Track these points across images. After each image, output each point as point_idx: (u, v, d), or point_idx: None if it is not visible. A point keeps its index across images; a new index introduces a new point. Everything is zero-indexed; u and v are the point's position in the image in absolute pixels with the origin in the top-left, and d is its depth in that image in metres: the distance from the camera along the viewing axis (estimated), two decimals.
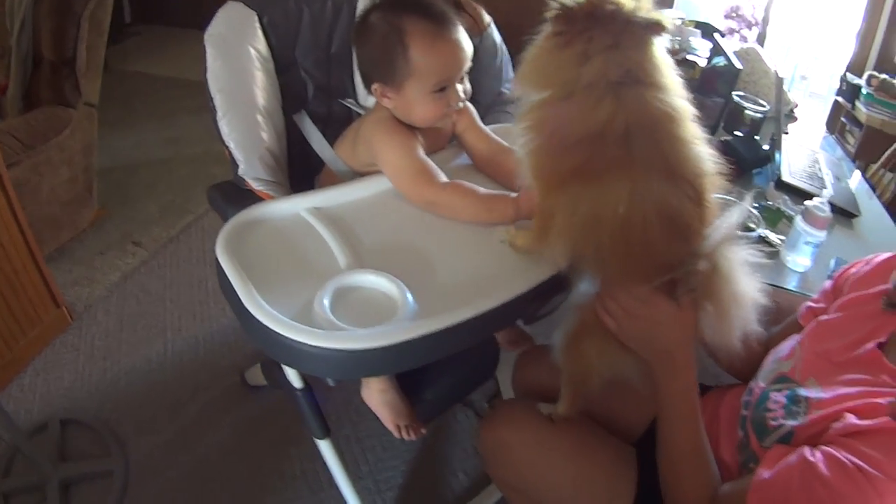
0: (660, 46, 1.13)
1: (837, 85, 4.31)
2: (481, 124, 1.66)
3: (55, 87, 3.18)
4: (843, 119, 4.12)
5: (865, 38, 4.15)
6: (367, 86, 1.56)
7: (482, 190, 1.47)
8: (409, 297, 1.22)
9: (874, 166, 3.20)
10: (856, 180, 2.62)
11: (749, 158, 2.27)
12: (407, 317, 1.18)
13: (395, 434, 1.80)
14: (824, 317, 1.29)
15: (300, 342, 1.10)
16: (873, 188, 2.68)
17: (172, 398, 2.53)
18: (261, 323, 1.14)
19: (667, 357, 1.25)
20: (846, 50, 4.28)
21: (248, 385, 2.56)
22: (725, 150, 2.18)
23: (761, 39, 4.37)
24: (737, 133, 2.42)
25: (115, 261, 3.26)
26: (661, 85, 1.12)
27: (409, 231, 1.43)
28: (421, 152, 1.52)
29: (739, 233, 1.21)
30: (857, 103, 3.90)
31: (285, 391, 1.74)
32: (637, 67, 1.10)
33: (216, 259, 1.29)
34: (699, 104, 1.18)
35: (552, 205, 1.21)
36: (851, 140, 3.95)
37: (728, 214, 1.20)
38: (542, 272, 1.30)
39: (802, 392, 1.16)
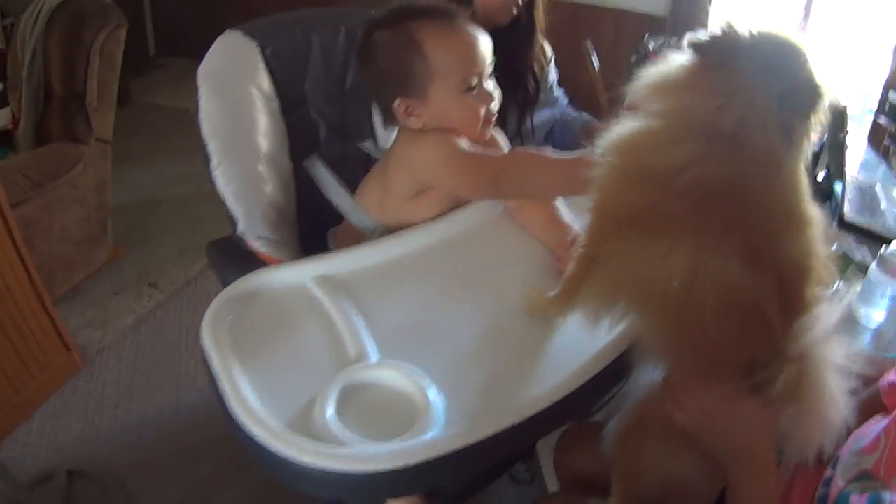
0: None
1: (869, 104, 4.10)
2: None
3: (66, 122, 3.07)
4: (886, 142, 3.91)
5: None
6: (386, 111, 1.42)
7: (552, 154, 1.31)
8: (435, 399, 1.01)
9: None
10: None
11: None
12: (432, 425, 0.97)
13: None
14: None
15: (297, 461, 0.91)
16: None
17: (185, 453, 2.40)
18: (246, 431, 0.96)
19: (749, 459, 1.08)
20: (881, 67, 4.06)
21: None
22: None
23: None
24: None
25: (129, 303, 3.17)
26: (776, 160, 0.95)
27: (435, 307, 1.24)
28: (466, 143, 1.38)
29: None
30: None
31: None
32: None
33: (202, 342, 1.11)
34: None
35: (599, 247, 1.05)
36: None
37: (828, 309, 1.01)
38: (599, 359, 1.10)
39: (888, 497, 0.99)
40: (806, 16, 4.07)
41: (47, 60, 3.06)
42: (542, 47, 2.14)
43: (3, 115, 3.55)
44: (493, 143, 1.51)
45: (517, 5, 1.99)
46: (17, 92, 3.19)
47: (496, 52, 2.01)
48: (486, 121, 1.41)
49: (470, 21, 1.39)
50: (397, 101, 1.38)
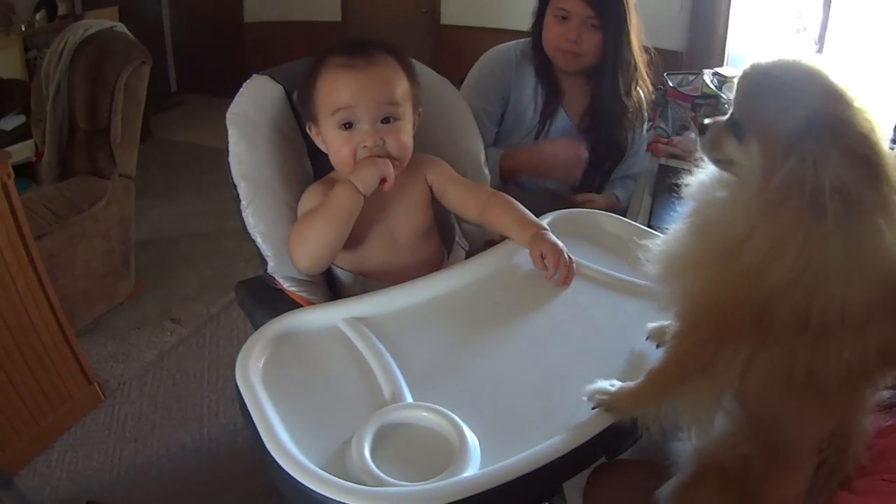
0: None
1: (890, 131, 4.06)
2: (458, 176, 1.58)
3: (90, 156, 3.10)
4: None
5: None
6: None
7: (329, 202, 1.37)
8: (471, 439, 1.02)
9: None
10: None
11: None
12: (467, 465, 0.98)
13: None
14: None
15: (333, 499, 0.92)
16: None
17: (207, 489, 2.38)
18: (284, 470, 0.97)
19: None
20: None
21: None
22: None
23: None
24: None
25: (151, 337, 3.16)
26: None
27: (468, 348, 1.25)
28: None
29: None
30: None
31: None
32: None
33: (234, 382, 1.12)
34: None
35: (723, 361, 0.98)
36: None
37: None
38: None
39: None
40: (820, 48, 4.07)
41: (71, 96, 3.10)
42: (627, 105, 2.14)
43: (26, 147, 3.61)
44: (433, 166, 1.57)
45: (575, 54, 2.02)
46: (41, 125, 3.24)
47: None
48: (378, 168, 1.39)
49: (379, 62, 1.40)
50: (308, 125, 1.48)
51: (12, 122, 4.03)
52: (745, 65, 0.95)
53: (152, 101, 3.28)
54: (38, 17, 4.69)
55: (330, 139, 1.42)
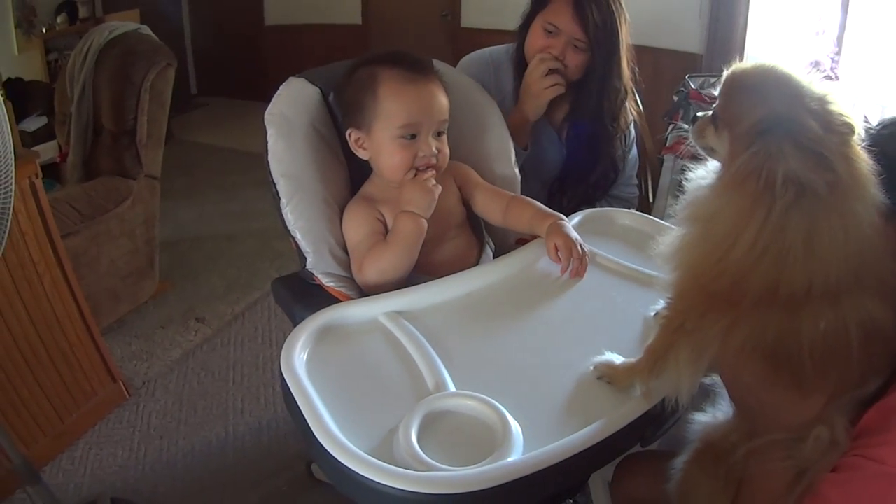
0: None
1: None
2: (482, 182, 1.65)
3: (115, 157, 3.13)
4: None
5: None
6: (345, 139, 1.55)
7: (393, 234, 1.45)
8: (513, 425, 1.05)
9: None
10: None
11: None
12: (511, 450, 1.01)
13: None
14: None
15: (384, 484, 0.95)
16: None
17: (232, 486, 2.40)
18: (333, 457, 0.99)
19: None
20: None
21: (315, 478, 2.39)
22: None
23: None
24: None
25: (176, 336, 3.18)
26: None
27: (505, 339, 1.29)
28: (376, 225, 1.50)
29: None
30: None
31: None
32: None
33: (280, 374, 1.15)
34: None
35: (695, 318, 1.06)
36: None
37: None
38: None
39: None
40: (838, 50, 4.08)
41: (97, 97, 3.14)
42: (612, 130, 2.06)
43: (50, 148, 3.66)
44: (460, 171, 1.64)
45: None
46: (65, 127, 3.27)
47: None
48: (423, 186, 1.45)
49: (434, 78, 1.50)
50: (349, 131, 1.52)
51: (35, 123, 4.09)
52: (730, 66, 1.07)
53: (173, 104, 3.30)
54: (59, 19, 4.75)
55: (386, 146, 1.46)
